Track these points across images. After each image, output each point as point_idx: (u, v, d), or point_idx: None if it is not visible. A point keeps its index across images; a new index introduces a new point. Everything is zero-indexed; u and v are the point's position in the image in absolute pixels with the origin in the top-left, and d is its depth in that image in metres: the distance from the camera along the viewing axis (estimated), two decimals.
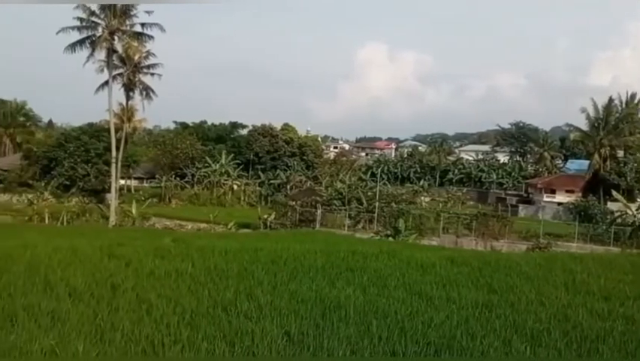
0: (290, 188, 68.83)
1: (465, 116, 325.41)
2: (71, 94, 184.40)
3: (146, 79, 50.74)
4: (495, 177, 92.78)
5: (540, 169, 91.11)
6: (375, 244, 22.17)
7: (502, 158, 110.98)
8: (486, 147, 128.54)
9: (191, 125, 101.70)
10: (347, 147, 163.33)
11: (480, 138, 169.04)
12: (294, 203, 50.70)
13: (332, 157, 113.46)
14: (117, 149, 49.38)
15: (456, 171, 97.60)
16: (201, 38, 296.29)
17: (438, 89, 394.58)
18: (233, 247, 11.37)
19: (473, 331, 5.57)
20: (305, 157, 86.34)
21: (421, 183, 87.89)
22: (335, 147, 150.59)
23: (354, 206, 49.65)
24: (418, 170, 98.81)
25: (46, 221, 44.32)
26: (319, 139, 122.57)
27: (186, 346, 4.74)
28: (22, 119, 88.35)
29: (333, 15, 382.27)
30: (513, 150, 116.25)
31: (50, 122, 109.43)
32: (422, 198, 71.43)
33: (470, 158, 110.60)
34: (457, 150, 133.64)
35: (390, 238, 34.67)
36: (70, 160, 65.84)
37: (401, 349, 4.97)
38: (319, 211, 46.69)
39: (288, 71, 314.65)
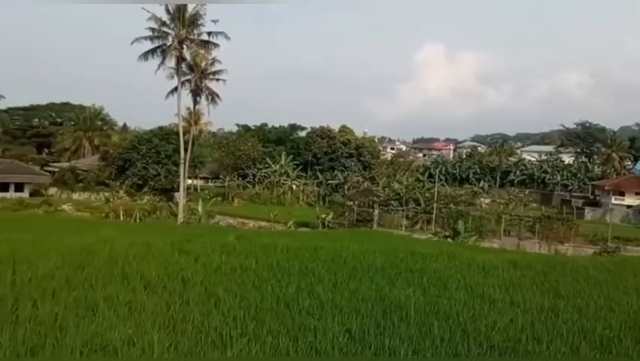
0: (347, 188, 68.96)
1: (527, 116, 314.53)
2: (143, 99, 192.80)
3: (212, 84, 52.62)
4: (559, 178, 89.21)
5: (608, 170, 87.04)
6: (434, 245, 21.87)
7: (567, 159, 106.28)
8: (549, 148, 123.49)
9: (252, 127, 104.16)
10: (404, 148, 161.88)
11: (543, 139, 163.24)
12: (351, 203, 50.83)
13: (389, 158, 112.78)
14: (185, 150, 51.21)
15: (517, 172, 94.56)
16: (262, 44, 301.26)
17: (498, 89, 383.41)
18: (293, 245, 11.56)
19: (539, 335, 5.47)
20: (362, 158, 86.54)
21: (481, 184, 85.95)
22: (392, 148, 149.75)
23: (411, 207, 49.26)
24: (478, 171, 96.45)
25: (121, 218, 46.42)
26: (376, 140, 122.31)
27: (252, 339, 4.90)
28: (99, 123, 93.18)
29: (391, 18, 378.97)
30: (578, 150, 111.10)
31: (125, 125, 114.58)
32: (482, 199, 69.81)
33: (533, 159, 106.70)
34: (518, 151, 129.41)
35: (449, 240, 34.12)
36: (142, 161, 68.75)
37: (464, 351, 4.95)
38: (376, 211, 46.56)
39: (346, 74, 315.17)
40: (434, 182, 58.90)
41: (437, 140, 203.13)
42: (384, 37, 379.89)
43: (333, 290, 7.08)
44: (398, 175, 72.91)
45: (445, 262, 10.00)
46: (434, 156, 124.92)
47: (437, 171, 74.81)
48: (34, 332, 4.76)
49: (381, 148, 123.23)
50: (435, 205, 46.94)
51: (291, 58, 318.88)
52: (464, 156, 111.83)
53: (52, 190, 67.81)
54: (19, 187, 62.86)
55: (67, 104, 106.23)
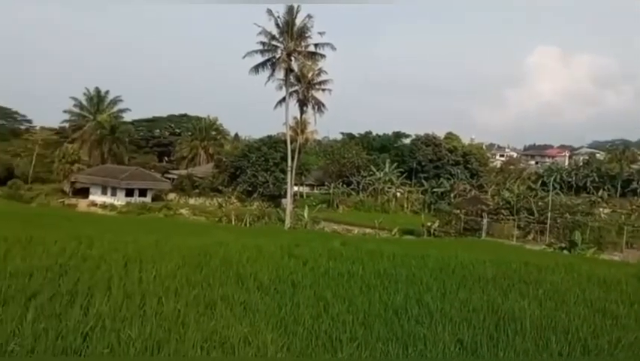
0: (454, 196, 67.10)
1: None
2: (254, 110, 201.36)
3: (318, 94, 53.80)
4: None
5: None
6: (549, 256, 20.63)
7: None
8: None
9: (357, 135, 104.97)
10: (514, 154, 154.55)
11: None
12: (458, 211, 49.47)
13: (498, 165, 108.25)
14: (292, 158, 52.74)
15: None
16: (366, 51, 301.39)
17: (618, 92, 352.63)
18: (399, 252, 11.48)
19: None
20: (469, 165, 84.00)
21: (600, 193, 79.88)
22: (501, 155, 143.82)
23: (523, 216, 47.19)
24: (596, 179, 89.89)
25: (233, 222, 48.69)
26: (484, 147, 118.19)
27: (362, 344, 4.95)
28: (213, 133, 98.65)
29: (500, 21, 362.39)
30: None
31: (236, 135, 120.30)
32: (601, 209, 64.71)
33: None
34: None
35: (565, 251, 32.12)
36: (252, 169, 71.67)
37: None
38: (485, 220, 44.97)
39: (452, 80, 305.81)
40: (548, 190, 55.90)
41: (551, 146, 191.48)
42: (492, 40, 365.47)
43: (442, 299, 6.97)
44: (508, 183, 69.84)
45: (562, 275, 9.48)
46: (547, 164, 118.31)
47: (551, 179, 70.69)
48: (159, 327, 5.14)
49: (489, 155, 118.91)
50: (549, 215, 44.45)
51: (395, 64, 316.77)
52: (581, 164, 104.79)
53: (172, 195, 72.61)
54: (142, 192, 67.98)
55: (185, 115, 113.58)
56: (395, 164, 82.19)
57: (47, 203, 60.45)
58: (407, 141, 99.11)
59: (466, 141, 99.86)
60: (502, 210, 48.82)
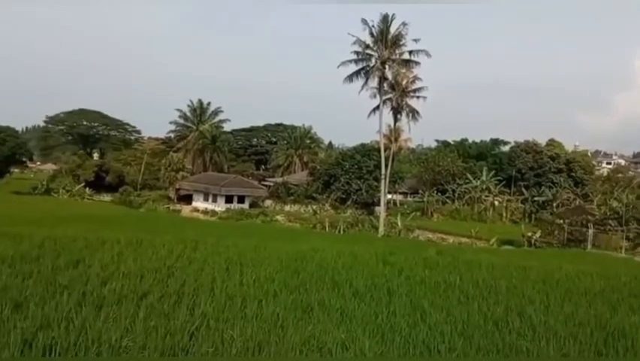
0: (556, 206, 63.50)
1: None
2: (348, 118, 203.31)
3: (412, 102, 53.21)
4: None
5: None
6: None
7: None
8: None
9: (452, 143, 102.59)
10: (622, 162, 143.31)
11: None
12: (561, 221, 46.79)
13: (605, 173, 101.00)
14: (385, 166, 52.48)
15: None
16: (463, 57, 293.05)
17: None
18: (499, 262, 11.13)
19: None
20: (573, 174, 79.32)
21: None
22: (608, 163, 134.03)
23: (632, 227, 44.04)
24: None
25: (327, 229, 49.32)
26: (589, 154, 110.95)
27: (461, 355, 4.85)
28: (308, 141, 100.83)
29: (605, 22, 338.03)
30: None
31: (330, 143, 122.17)
32: None
33: None
34: None
35: None
36: (345, 176, 72.19)
37: None
38: (590, 231, 42.23)
39: (553, 84, 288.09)
40: None
41: None
42: (597, 41, 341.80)
43: (545, 312, 6.68)
44: (616, 192, 65.14)
45: None
46: None
47: None
48: (260, 329, 5.34)
49: (595, 163, 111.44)
50: None
51: (492, 68, 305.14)
52: None
53: (268, 202, 74.76)
54: (240, 199, 70.56)
55: (280, 124, 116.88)
56: (493, 172, 79.38)
57: (154, 208, 64.47)
58: (506, 148, 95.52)
59: (569, 147, 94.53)
60: (610, 221, 45.94)
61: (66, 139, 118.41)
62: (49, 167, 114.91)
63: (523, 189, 76.23)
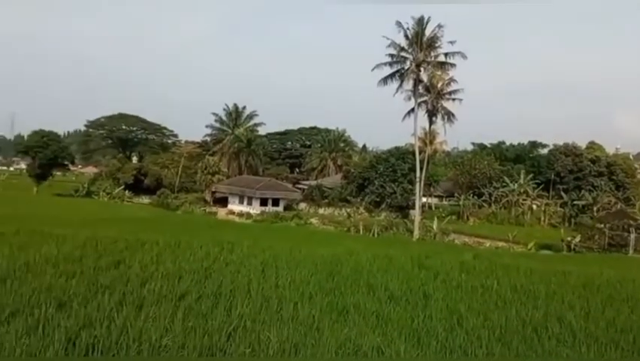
0: (597, 210, 61.76)
1: None
2: (381, 122, 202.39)
3: (448, 104, 52.56)
4: None
5: None
6: None
7: None
8: None
9: (488, 145, 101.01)
10: None
11: None
12: (602, 226, 45.46)
13: None
14: (420, 169, 52.02)
15: None
16: (499, 58, 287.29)
17: None
18: (537, 267, 10.92)
19: None
20: (614, 177, 77.12)
21: None
22: None
23: None
24: None
25: (361, 232, 49.15)
26: (631, 157, 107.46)
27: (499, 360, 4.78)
28: (342, 145, 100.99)
29: None
30: None
31: (364, 146, 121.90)
32: None
33: None
34: None
35: None
36: (380, 179, 71.87)
37: None
38: (633, 236, 40.97)
39: (593, 86, 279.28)
40: None
41: None
42: (638, 40, 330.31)
43: (586, 319, 6.53)
44: None
45: None
46: None
47: None
48: (296, 331, 5.37)
49: (637, 166, 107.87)
50: None
51: (528, 69, 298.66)
52: None
53: (302, 205, 75.04)
54: (275, 202, 71.05)
55: (314, 128, 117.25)
56: (531, 175, 77.78)
57: (191, 211, 65.46)
58: (544, 151, 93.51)
59: (610, 150, 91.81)
60: None
61: (106, 143, 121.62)
62: (90, 170, 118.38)
63: (563, 193, 74.48)
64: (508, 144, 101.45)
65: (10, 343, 4.55)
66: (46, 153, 70.82)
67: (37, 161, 71.68)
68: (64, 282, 6.77)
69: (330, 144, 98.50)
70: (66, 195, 66.58)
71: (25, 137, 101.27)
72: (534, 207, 71.17)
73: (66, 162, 79.42)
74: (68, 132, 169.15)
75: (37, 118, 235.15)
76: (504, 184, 74.94)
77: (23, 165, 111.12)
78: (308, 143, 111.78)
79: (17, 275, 6.95)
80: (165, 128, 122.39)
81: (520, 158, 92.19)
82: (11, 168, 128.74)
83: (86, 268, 7.73)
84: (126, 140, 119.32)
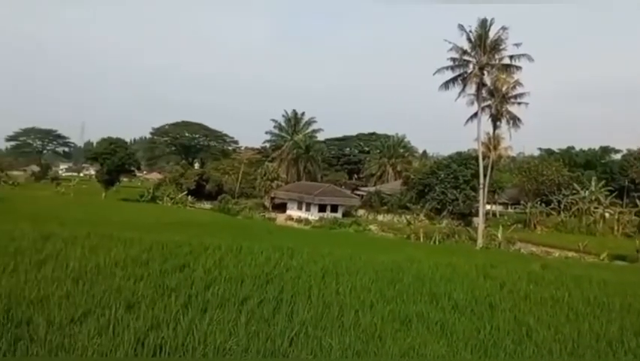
0: None
1: None
2: (442, 127, 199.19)
3: (513, 108, 51.04)
4: None
5: None
6: None
7: None
8: None
9: (556, 151, 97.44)
10: None
11: None
12: None
13: None
14: (484, 176, 50.73)
15: None
16: (567, 59, 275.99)
17: None
18: (611, 279, 10.38)
19: None
20: None
21: None
22: None
23: None
24: None
25: (421, 239, 48.43)
26: None
27: None
28: (401, 150, 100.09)
29: None
30: None
31: (424, 152, 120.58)
32: None
33: None
34: None
35: None
36: (441, 186, 70.64)
37: None
38: None
39: None
40: None
41: None
42: None
43: None
44: None
45: None
46: None
47: None
48: (357, 338, 5.31)
49: None
50: None
51: (599, 71, 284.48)
52: None
53: (361, 212, 74.81)
54: (334, 208, 71.17)
55: (373, 133, 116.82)
56: (603, 182, 74.21)
57: (251, 216, 66.68)
58: (617, 156, 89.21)
59: None
60: None
61: (170, 149, 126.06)
62: (155, 176, 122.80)
63: (637, 201, 70.56)
64: (577, 149, 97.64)
65: (83, 342, 4.72)
66: (113, 160, 74.04)
67: (106, 167, 75.08)
68: (133, 284, 6.98)
69: (389, 149, 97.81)
70: (132, 200, 69.29)
71: (94, 144, 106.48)
72: (606, 215, 67.86)
73: (132, 168, 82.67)
74: (134, 139, 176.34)
75: (105, 125, 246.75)
76: (574, 191, 71.87)
77: (92, 171, 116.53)
78: (366, 149, 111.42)
79: (89, 277, 7.23)
80: (226, 135, 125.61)
81: (591, 164, 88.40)
82: (81, 174, 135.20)
83: (152, 270, 7.96)
84: (189, 147, 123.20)
